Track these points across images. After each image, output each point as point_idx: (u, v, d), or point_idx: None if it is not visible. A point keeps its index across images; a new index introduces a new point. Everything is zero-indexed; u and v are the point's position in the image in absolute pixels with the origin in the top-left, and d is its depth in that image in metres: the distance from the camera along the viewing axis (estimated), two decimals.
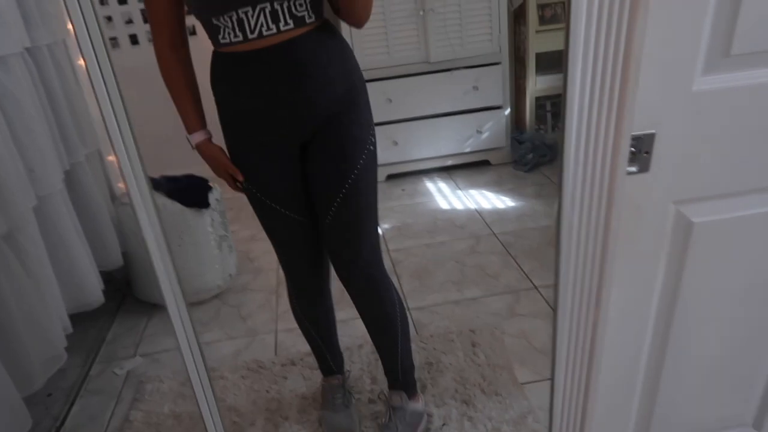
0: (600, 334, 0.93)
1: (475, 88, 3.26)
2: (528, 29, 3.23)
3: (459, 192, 3.20)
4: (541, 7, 3.30)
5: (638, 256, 0.89)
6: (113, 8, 3.19)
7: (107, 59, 0.76)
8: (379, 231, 2.80)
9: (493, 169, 3.44)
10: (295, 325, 1.67)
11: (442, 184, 3.33)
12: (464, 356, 1.90)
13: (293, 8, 1.15)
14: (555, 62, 3.39)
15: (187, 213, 2.24)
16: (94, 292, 2.01)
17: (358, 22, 1.22)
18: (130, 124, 0.81)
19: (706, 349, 1.03)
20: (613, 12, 0.70)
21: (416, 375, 1.83)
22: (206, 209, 2.29)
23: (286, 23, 1.16)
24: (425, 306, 2.21)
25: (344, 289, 1.46)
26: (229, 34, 1.18)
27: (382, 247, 2.66)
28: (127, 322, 2.36)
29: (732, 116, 0.82)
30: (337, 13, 1.24)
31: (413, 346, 1.95)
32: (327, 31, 1.23)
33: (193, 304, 2.32)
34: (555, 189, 2.84)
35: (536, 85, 3.37)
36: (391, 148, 3.33)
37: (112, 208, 2.33)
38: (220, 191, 2.39)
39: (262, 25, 1.15)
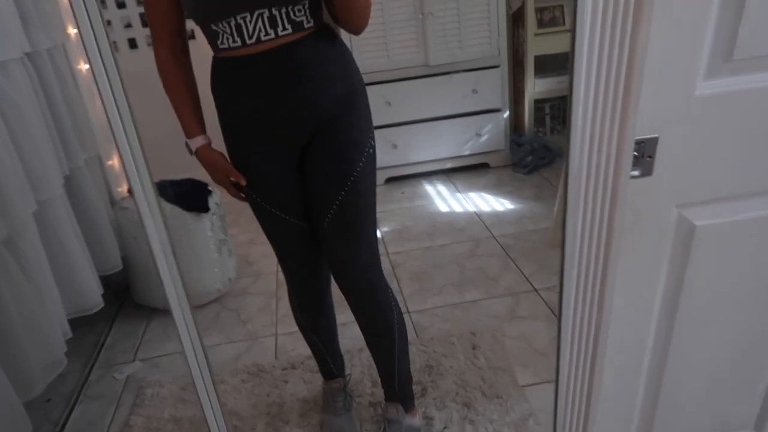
0: (603, 337, 0.93)
1: (474, 91, 3.27)
2: (526, 32, 3.24)
3: (458, 195, 3.20)
4: (540, 11, 3.31)
5: (641, 260, 0.89)
6: (112, 12, 3.19)
7: (113, 63, 0.76)
8: (378, 234, 2.81)
9: (493, 171, 3.45)
10: (295, 328, 1.67)
11: (442, 187, 3.33)
12: (465, 359, 1.90)
13: (291, 14, 1.15)
14: (553, 65, 3.40)
15: (187, 217, 2.24)
16: (93, 296, 2.01)
17: (356, 30, 1.22)
18: (136, 128, 0.81)
19: (708, 353, 1.03)
20: (617, 17, 0.70)
21: (417, 378, 1.83)
22: (206, 213, 2.29)
23: (284, 28, 1.16)
24: (425, 309, 2.21)
25: None
26: (227, 39, 1.18)
27: (382, 250, 2.66)
28: (126, 327, 2.35)
29: (734, 120, 0.82)
30: (335, 20, 1.24)
31: (413, 350, 1.96)
32: (326, 36, 1.23)
33: (192, 308, 2.31)
34: (554, 191, 2.86)
35: (535, 87, 3.38)
36: (390, 151, 3.34)
37: (111, 213, 2.32)
38: (219, 195, 2.39)
39: (260, 31, 1.15)
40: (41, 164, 1.76)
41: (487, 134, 3.39)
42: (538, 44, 3.27)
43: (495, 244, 2.62)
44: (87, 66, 2.32)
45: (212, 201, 2.32)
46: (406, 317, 2.17)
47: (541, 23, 3.33)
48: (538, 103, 3.49)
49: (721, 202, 0.88)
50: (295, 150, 1.30)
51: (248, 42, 1.17)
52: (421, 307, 2.22)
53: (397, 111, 3.25)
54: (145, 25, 3.25)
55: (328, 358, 1.70)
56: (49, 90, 1.93)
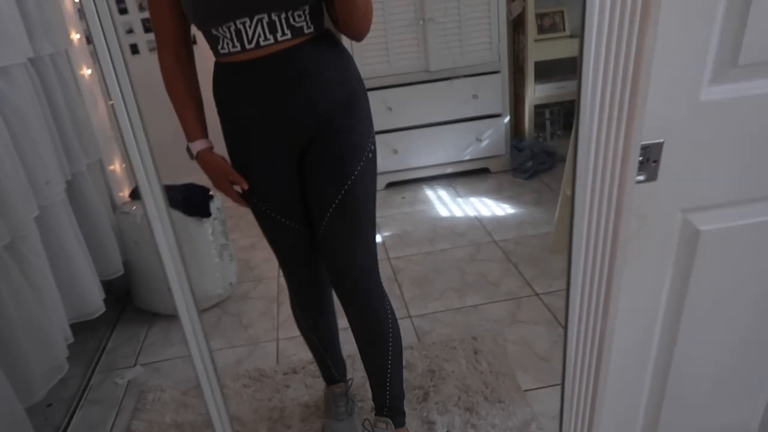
0: (608, 341, 0.93)
1: (475, 96, 3.28)
2: (527, 38, 3.25)
3: (459, 200, 3.21)
4: (540, 17, 3.33)
5: (646, 264, 0.89)
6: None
7: (124, 68, 0.76)
8: (379, 239, 2.81)
9: (493, 176, 3.45)
10: (297, 333, 1.67)
11: (442, 192, 3.33)
12: (466, 363, 1.90)
13: (291, 19, 1.16)
14: (553, 71, 3.41)
15: (188, 222, 2.24)
16: (95, 301, 2.00)
17: (357, 35, 1.22)
18: (146, 133, 0.82)
19: (713, 356, 1.03)
20: (623, 23, 0.71)
21: (419, 383, 1.83)
22: (207, 218, 2.29)
23: (283, 33, 1.17)
24: (426, 314, 2.21)
25: None
26: (228, 44, 1.19)
27: (383, 255, 2.67)
28: (127, 332, 2.35)
29: (739, 125, 0.82)
30: (336, 25, 1.25)
31: (415, 354, 1.96)
32: (326, 41, 1.24)
33: None
34: (554, 196, 2.86)
35: (535, 93, 3.39)
36: (391, 157, 3.34)
37: (113, 218, 2.32)
38: (221, 200, 2.40)
39: (259, 36, 1.16)
40: (43, 169, 1.76)
41: (488, 139, 3.40)
42: (539, 50, 3.28)
43: (496, 248, 2.62)
44: (90, 71, 2.33)
45: (214, 206, 2.32)
46: (407, 322, 2.17)
47: (541, 29, 3.35)
48: (538, 109, 3.51)
49: (725, 207, 0.89)
50: (294, 153, 1.31)
51: (248, 47, 1.17)
52: (422, 312, 2.22)
53: (397, 116, 3.26)
54: (146, 30, 3.26)
55: (329, 361, 1.69)
56: (52, 95, 1.93)
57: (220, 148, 1.36)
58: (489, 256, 2.57)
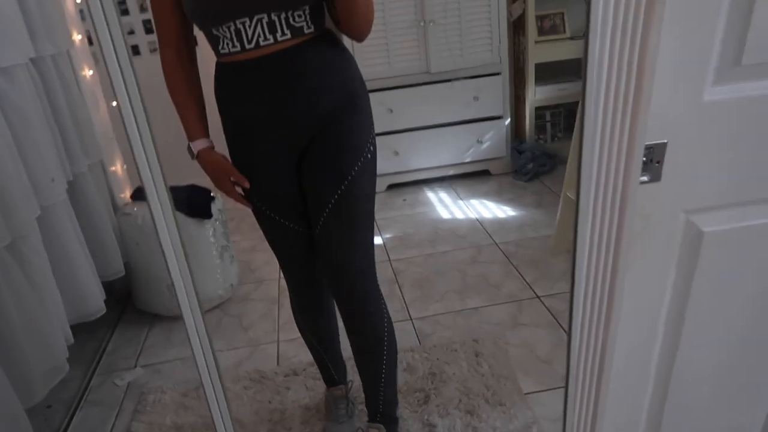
0: (611, 343, 0.93)
1: (476, 98, 3.28)
2: (527, 40, 3.25)
3: (460, 202, 3.20)
4: (540, 18, 3.33)
5: (650, 265, 0.89)
6: None
7: (130, 68, 0.76)
8: (380, 241, 2.81)
9: (494, 178, 3.45)
10: (298, 335, 1.67)
11: (443, 194, 3.33)
12: (468, 366, 1.90)
13: (291, 19, 1.16)
14: (554, 73, 3.41)
15: (190, 223, 2.24)
16: (95, 302, 2.00)
17: (358, 36, 1.22)
18: (152, 134, 0.81)
19: (715, 359, 1.03)
20: (627, 23, 0.71)
21: (419, 385, 1.82)
22: (208, 219, 2.29)
23: (283, 34, 1.16)
24: (427, 316, 2.21)
25: None
26: (228, 44, 1.19)
27: (384, 257, 2.66)
28: (128, 333, 2.35)
29: (742, 126, 0.82)
30: (337, 26, 1.25)
31: (416, 357, 1.95)
32: (327, 41, 1.24)
33: None
34: (555, 198, 2.86)
35: (536, 95, 3.39)
36: (391, 159, 3.34)
37: (114, 219, 2.32)
38: (222, 201, 2.39)
39: (259, 36, 1.16)
40: (45, 169, 1.76)
41: (488, 141, 3.39)
42: (539, 52, 3.28)
43: (497, 251, 2.62)
44: (91, 72, 2.33)
45: (215, 207, 2.32)
46: (408, 324, 2.16)
47: (541, 31, 3.35)
48: (539, 111, 3.50)
49: (729, 208, 0.88)
50: (294, 153, 1.31)
51: (247, 47, 1.18)
52: (423, 314, 2.22)
53: (398, 118, 3.26)
54: (148, 32, 3.26)
55: (329, 363, 1.69)
56: (53, 96, 1.93)
57: (221, 148, 1.36)
58: (490, 258, 2.56)
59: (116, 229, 2.29)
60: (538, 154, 3.38)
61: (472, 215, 3.02)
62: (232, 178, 1.33)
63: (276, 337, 2.20)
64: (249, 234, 2.98)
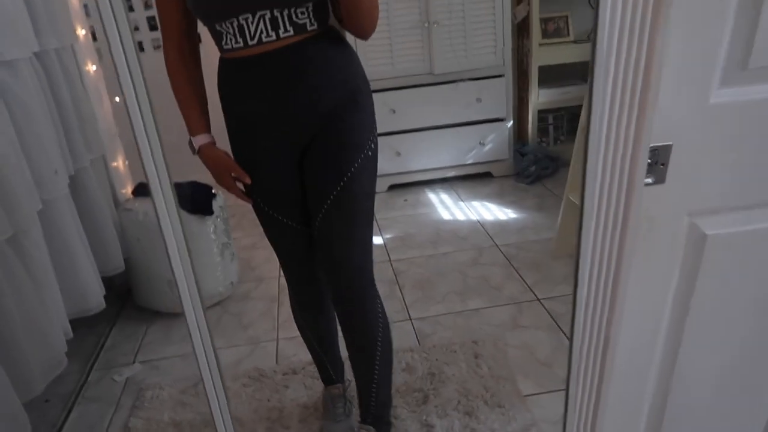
0: (612, 345, 0.93)
1: (479, 100, 3.28)
2: (531, 42, 3.25)
3: (461, 203, 3.20)
4: (544, 21, 3.33)
5: (654, 267, 0.89)
6: None
7: (137, 64, 0.76)
8: (381, 241, 2.81)
9: (496, 181, 3.45)
10: (297, 333, 1.67)
11: (445, 196, 3.33)
12: (467, 367, 1.89)
13: (294, 16, 1.16)
14: (557, 76, 3.41)
15: (191, 220, 2.24)
16: (95, 297, 2.00)
17: (363, 34, 1.22)
18: (158, 130, 0.81)
19: (717, 362, 1.03)
20: (635, 25, 0.71)
21: (418, 385, 1.82)
22: (210, 216, 2.28)
23: (285, 30, 1.16)
24: (428, 316, 2.20)
25: None
26: (230, 40, 1.19)
27: (385, 257, 2.66)
28: (127, 329, 2.34)
29: (748, 129, 0.82)
30: (341, 23, 1.24)
31: (415, 357, 1.95)
32: (330, 38, 1.23)
33: None
34: (557, 201, 2.86)
35: (539, 98, 3.39)
36: (393, 159, 3.34)
37: (115, 214, 2.32)
38: (223, 198, 2.39)
39: (261, 32, 1.16)
40: (47, 164, 1.76)
41: (491, 143, 3.39)
42: (543, 55, 3.28)
43: (498, 253, 2.62)
44: (95, 67, 2.33)
45: (216, 204, 2.32)
46: (407, 324, 2.16)
47: (545, 34, 3.35)
48: (542, 114, 3.50)
49: (733, 211, 0.88)
50: (296, 150, 1.31)
51: (250, 43, 1.18)
52: (424, 315, 2.21)
53: (401, 118, 3.26)
54: (152, 28, 3.26)
55: (326, 362, 1.69)
56: (57, 90, 1.93)
57: (223, 144, 1.36)
58: (491, 260, 2.56)
59: (117, 225, 2.29)
60: (540, 157, 3.38)
61: (474, 217, 3.02)
62: (233, 174, 1.33)
63: (275, 336, 2.20)
64: (250, 231, 2.98)
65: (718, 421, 1.11)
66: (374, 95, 1.35)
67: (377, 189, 1.37)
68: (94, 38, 2.44)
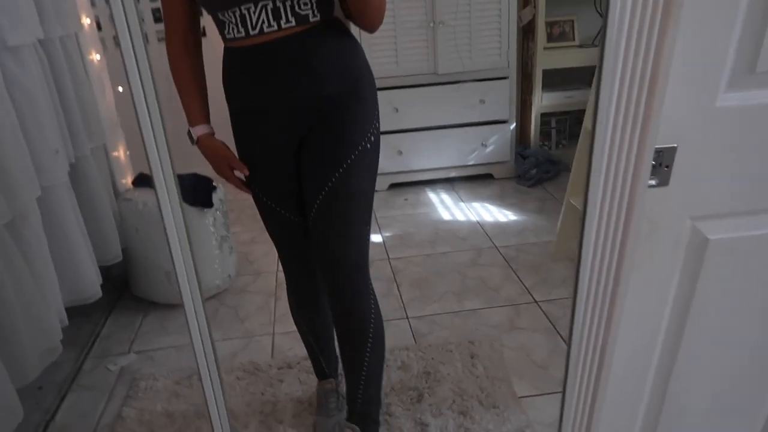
0: (610, 348, 0.93)
1: (482, 101, 3.28)
2: (536, 46, 3.25)
3: (462, 204, 3.20)
4: (550, 25, 3.33)
5: (655, 269, 0.88)
6: None
7: (144, 53, 0.76)
8: (380, 239, 2.80)
9: (497, 182, 3.45)
10: (293, 328, 1.66)
11: (445, 196, 3.33)
12: (463, 367, 1.89)
13: (296, 6, 1.15)
14: (561, 80, 3.41)
15: (190, 211, 2.23)
16: (92, 285, 1.99)
17: (369, 25, 1.21)
18: (162, 122, 0.81)
19: (714, 368, 1.02)
20: (644, 25, 0.70)
21: (413, 384, 1.82)
22: (209, 209, 2.28)
23: (287, 20, 1.16)
24: (424, 315, 2.20)
25: None
26: (233, 29, 1.19)
27: (383, 255, 2.66)
28: (123, 319, 2.34)
29: (754, 133, 0.82)
30: (348, 16, 1.24)
31: (411, 355, 1.95)
32: (333, 30, 1.22)
33: None
34: (557, 205, 2.86)
35: (542, 101, 3.39)
36: (395, 158, 3.34)
37: (115, 204, 2.32)
38: (224, 191, 2.39)
39: (263, 22, 1.16)
40: (48, 149, 1.76)
41: (493, 145, 3.39)
42: (547, 58, 3.28)
43: (497, 254, 2.61)
44: (98, 57, 2.32)
45: (216, 197, 2.31)
46: (404, 322, 2.16)
47: (550, 37, 3.35)
48: (545, 117, 3.50)
49: (735, 216, 0.88)
50: (294, 140, 1.30)
51: (252, 33, 1.17)
52: (421, 314, 2.21)
53: (403, 117, 3.26)
54: (156, 20, 3.26)
55: (321, 357, 1.68)
56: (60, 77, 1.93)
57: (223, 137, 1.36)
58: (490, 261, 2.56)
59: (116, 215, 2.28)
60: (542, 160, 3.38)
61: (474, 218, 3.01)
62: (231, 165, 1.33)
63: (271, 330, 2.19)
64: (249, 226, 2.98)
65: (713, 427, 1.11)
66: (378, 93, 1.34)
67: (378, 187, 1.36)
68: (99, 28, 2.44)
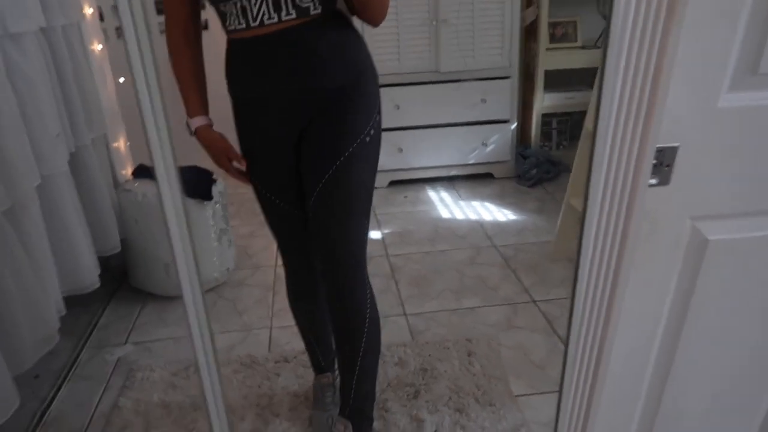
0: (608, 346, 0.93)
1: (483, 100, 3.28)
2: (538, 46, 3.25)
3: (461, 202, 3.20)
4: (553, 26, 3.33)
5: (655, 269, 0.89)
6: None
7: (149, 45, 0.76)
8: (379, 235, 2.80)
9: (497, 182, 3.45)
10: (291, 322, 1.67)
11: (445, 194, 3.33)
12: (459, 365, 1.89)
13: None
14: (563, 80, 3.41)
15: (189, 204, 2.23)
16: (90, 275, 1.99)
17: (373, 19, 1.22)
18: (165, 112, 0.81)
19: (712, 369, 1.03)
20: (647, 24, 0.70)
21: (410, 380, 1.82)
22: (209, 201, 2.28)
23: (288, 13, 1.16)
24: (422, 312, 2.20)
25: None
26: (234, 21, 1.20)
27: (382, 251, 2.66)
28: (121, 310, 2.34)
29: (755, 135, 0.82)
30: (351, 11, 1.24)
31: (408, 352, 1.95)
32: (334, 23, 1.22)
33: None
34: (557, 206, 2.87)
35: (543, 102, 3.39)
36: (395, 155, 3.34)
37: (114, 195, 2.31)
38: (223, 184, 2.39)
39: (264, 14, 1.16)
40: (48, 138, 1.75)
41: (494, 144, 3.39)
42: (549, 59, 3.28)
43: (495, 253, 2.62)
44: (100, 47, 2.32)
45: (216, 190, 2.31)
46: (402, 319, 2.16)
47: (553, 38, 3.35)
48: (546, 118, 3.50)
49: (736, 217, 0.88)
50: (294, 132, 1.30)
51: (252, 25, 1.17)
52: (418, 311, 2.21)
53: (404, 115, 3.26)
54: (159, 12, 3.25)
55: (318, 351, 1.69)
56: (62, 66, 1.93)
57: (221, 129, 1.36)
58: (488, 260, 2.56)
59: (116, 205, 2.28)
60: (542, 161, 3.38)
61: (473, 216, 3.02)
62: (229, 157, 1.33)
63: (269, 324, 2.20)
64: (248, 219, 2.98)
65: (710, 428, 1.11)
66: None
67: (378, 184, 1.36)
68: (102, 18, 2.43)
